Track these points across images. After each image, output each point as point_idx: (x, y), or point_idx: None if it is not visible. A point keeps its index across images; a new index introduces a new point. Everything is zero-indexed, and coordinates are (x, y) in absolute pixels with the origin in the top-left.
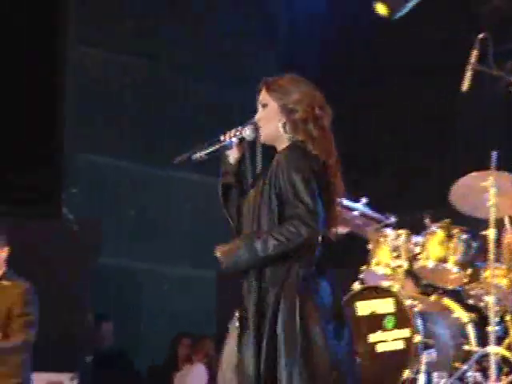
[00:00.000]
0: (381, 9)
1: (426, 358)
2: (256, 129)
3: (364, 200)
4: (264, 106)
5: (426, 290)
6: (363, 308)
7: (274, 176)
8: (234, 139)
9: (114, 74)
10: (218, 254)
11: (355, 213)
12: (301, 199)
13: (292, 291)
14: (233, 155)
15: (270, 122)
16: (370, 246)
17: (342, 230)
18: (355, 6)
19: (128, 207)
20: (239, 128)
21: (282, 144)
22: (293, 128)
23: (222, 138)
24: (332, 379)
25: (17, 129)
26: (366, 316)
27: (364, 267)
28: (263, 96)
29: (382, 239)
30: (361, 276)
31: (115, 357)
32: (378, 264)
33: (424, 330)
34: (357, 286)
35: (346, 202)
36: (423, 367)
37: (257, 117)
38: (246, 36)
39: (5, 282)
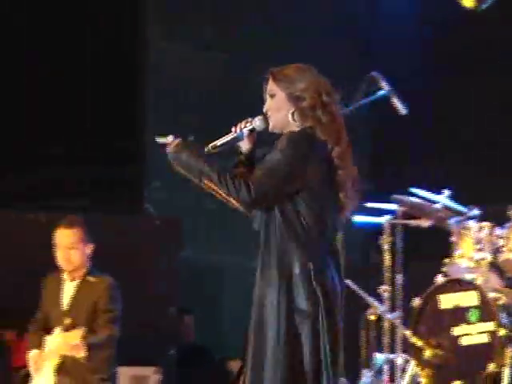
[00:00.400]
0: (466, 1)
1: (511, 351)
2: (266, 119)
3: (446, 192)
4: (272, 96)
5: (511, 282)
6: (447, 301)
7: None
8: (244, 130)
9: (191, 73)
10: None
11: (437, 205)
12: (270, 172)
13: (315, 280)
14: (245, 146)
15: (279, 111)
16: (452, 239)
17: (424, 222)
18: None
19: (208, 202)
20: (249, 119)
21: None
22: (301, 116)
23: (233, 129)
24: None
25: (101, 126)
26: (450, 309)
27: (447, 260)
28: (270, 86)
29: (465, 232)
30: (444, 269)
31: (197, 351)
32: (461, 257)
33: (509, 323)
34: (440, 278)
35: (428, 195)
36: (508, 361)
37: (265, 107)
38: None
39: (90, 278)
